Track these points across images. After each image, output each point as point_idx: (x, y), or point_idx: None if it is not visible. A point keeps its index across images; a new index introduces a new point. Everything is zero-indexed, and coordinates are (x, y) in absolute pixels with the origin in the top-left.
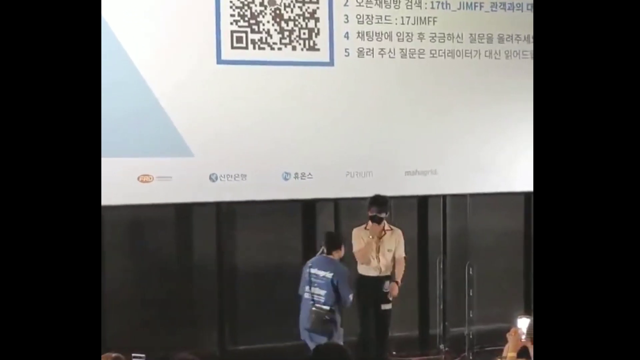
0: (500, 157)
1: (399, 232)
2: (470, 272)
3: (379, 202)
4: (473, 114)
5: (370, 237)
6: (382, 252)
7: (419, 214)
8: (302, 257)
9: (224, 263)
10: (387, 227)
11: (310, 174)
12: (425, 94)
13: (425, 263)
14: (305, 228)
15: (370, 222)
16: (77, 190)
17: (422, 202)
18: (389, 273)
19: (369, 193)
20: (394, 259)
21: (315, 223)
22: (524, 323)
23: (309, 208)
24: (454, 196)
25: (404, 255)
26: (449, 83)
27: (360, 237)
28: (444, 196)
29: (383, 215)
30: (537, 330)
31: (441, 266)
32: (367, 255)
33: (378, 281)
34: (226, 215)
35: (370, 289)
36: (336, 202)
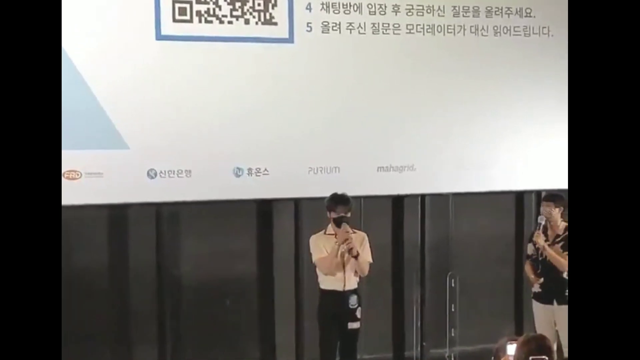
0: (487, 152)
1: (363, 235)
2: (452, 285)
3: (344, 200)
4: (457, 101)
5: (335, 244)
6: (347, 261)
7: (394, 217)
8: (256, 266)
9: (164, 274)
10: (350, 230)
11: (266, 169)
12: (400, 77)
13: (400, 274)
14: (261, 232)
15: (332, 226)
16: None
17: (397, 203)
18: (355, 286)
19: (333, 191)
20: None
21: (272, 226)
22: (513, 350)
23: (264, 209)
24: (434, 196)
25: (369, 260)
26: (428, 64)
27: (321, 246)
28: (423, 196)
29: (349, 215)
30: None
31: (419, 278)
32: (333, 264)
33: (343, 296)
34: (167, 218)
35: (335, 306)
36: (297, 202)
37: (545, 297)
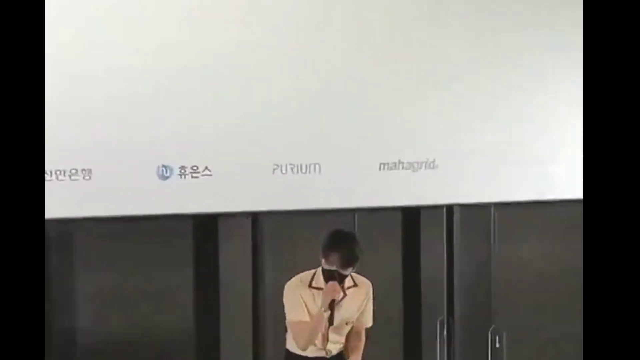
0: (545, 141)
1: (365, 289)
2: (497, 344)
3: (348, 247)
4: (494, 69)
5: (322, 308)
6: (335, 327)
7: (405, 240)
8: (195, 315)
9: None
10: (349, 283)
11: (207, 168)
12: (409, 35)
13: (416, 327)
14: (201, 265)
15: (322, 279)
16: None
17: (411, 218)
18: (341, 350)
19: (312, 201)
20: (350, 331)
21: (217, 257)
22: None
23: (206, 229)
24: (468, 207)
25: (370, 324)
26: (450, 21)
27: (301, 301)
28: (449, 207)
29: (348, 272)
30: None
31: (444, 332)
32: (314, 336)
33: None
34: (58, 243)
35: None
36: (256, 218)
37: None
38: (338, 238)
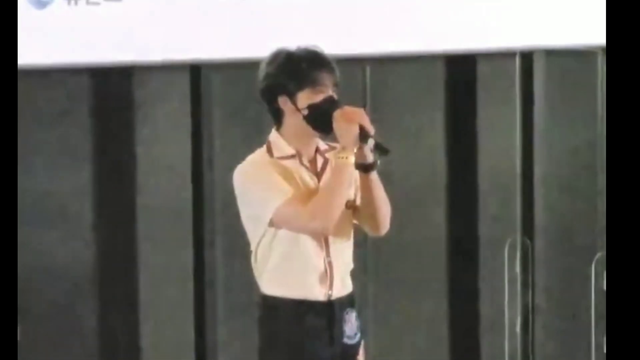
0: None
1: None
2: (605, 283)
3: (319, 60)
4: None
5: (310, 177)
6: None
7: (450, 109)
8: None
9: None
10: (323, 145)
11: None
12: None
13: (470, 252)
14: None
15: (287, 145)
16: None
17: (459, 73)
18: (350, 290)
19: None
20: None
21: (133, 136)
22: None
23: (114, 89)
24: (558, 54)
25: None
26: None
27: (276, 176)
28: (526, 54)
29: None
30: None
31: (517, 264)
32: (337, 203)
33: (329, 315)
34: None
35: (307, 338)
36: (197, 72)
37: None
38: (303, 54)
